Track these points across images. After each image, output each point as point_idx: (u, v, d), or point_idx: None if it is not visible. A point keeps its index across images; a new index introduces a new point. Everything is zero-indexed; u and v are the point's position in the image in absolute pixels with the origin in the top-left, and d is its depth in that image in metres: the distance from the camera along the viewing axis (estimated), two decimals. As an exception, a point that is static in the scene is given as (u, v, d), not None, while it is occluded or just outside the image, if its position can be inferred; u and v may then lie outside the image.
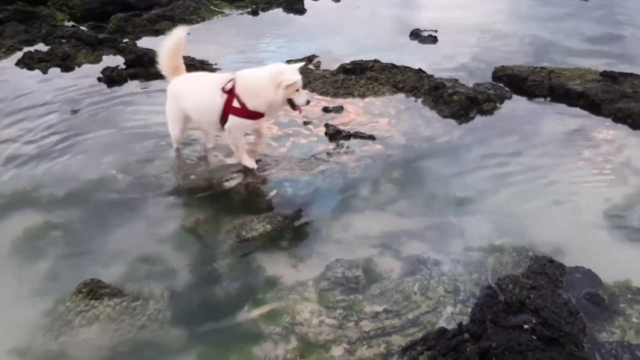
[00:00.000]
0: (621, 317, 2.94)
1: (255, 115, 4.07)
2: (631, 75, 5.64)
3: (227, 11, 8.56)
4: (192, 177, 4.24)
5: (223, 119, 4.09)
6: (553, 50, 6.77)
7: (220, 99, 4.04)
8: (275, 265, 3.38)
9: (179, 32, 4.17)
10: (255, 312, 3.00)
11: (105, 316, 2.95)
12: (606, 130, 4.86)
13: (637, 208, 3.83)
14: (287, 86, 3.94)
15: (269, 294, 3.13)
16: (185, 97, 4.19)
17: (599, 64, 6.16)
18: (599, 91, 5.28)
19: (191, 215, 3.85)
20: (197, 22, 8.06)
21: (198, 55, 6.46)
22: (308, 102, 4.15)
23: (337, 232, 3.68)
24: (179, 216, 3.84)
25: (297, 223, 3.74)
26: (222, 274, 3.32)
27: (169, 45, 4.17)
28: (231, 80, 4.08)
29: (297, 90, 4.05)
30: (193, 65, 6.20)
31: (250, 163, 4.26)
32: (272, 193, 4.05)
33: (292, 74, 4.03)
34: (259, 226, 3.66)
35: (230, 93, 4.03)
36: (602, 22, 7.94)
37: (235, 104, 4.01)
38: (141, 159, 4.42)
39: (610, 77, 5.59)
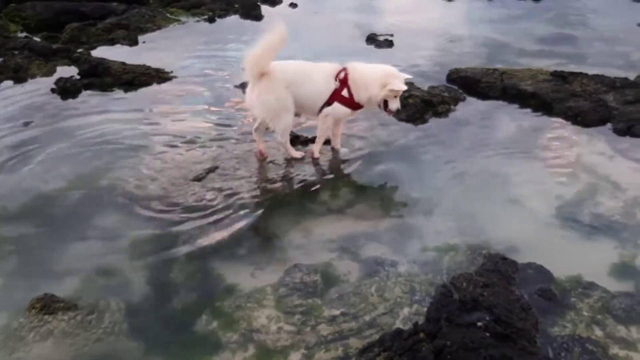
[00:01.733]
0: (572, 311, 3.02)
1: (357, 106, 4.39)
2: (580, 74, 5.80)
3: (183, 19, 8.50)
4: (149, 186, 4.18)
5: (327, 104, 4.33)
6: (506, 52, 6.92)
7: (332, 86, 4.31)
8: (234, 273, 3.36)
9: (281, 27, 4.18)
10: (213, 321, 2.99)
11: (59, 331, 2.89)
12: (557, 129, 4.99)
13: (587, 204, 3.94)
14: (392, 90, 4.22)
15: (227, 302, 3.11)
16: (300, 84, 4.31)
17: (550, 64, 6.33)
18: (549, 91, 5.42)
19: (147, 225, 3.80)
20: (153, 30, 7.99)
21: (154, 63, 6.41)
22: (398, 110, 4.41)
23: (297, 237, 3.68)
24: (134, 226, 3.78)
25: (255, 230, 3.73)
26: (179, 283, 3.29)
27: (270, 42, 4.14)
28: (343, 70, 4.33)
29: (395, 97, 4.30)
30: (149, 73, 6.17)
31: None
32: (230, 200, 4.03)
33: (401, 82, 4.29)
34: (216, 234, 3.65)
35: (343, 82, 4.27)
36: (553, 23, 8.16)
37: (344, 92, 4.29)
38: (96, 170, 4.35)
39: (560, 76, 5.75)
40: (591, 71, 5.92)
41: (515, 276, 3.18)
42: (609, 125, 4.97)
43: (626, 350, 2.78)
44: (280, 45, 4.22)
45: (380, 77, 4.24)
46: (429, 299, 3.04)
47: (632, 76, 5.85)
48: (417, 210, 3.95)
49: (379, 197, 4.10)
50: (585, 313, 3.00)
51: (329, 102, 4.34)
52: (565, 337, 2.82)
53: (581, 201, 3.98)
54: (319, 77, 4.35)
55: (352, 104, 4.35)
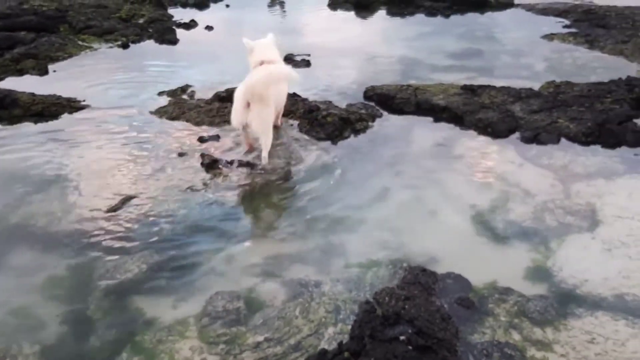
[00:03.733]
0: (490, 317, 3.11)
1: None
2: (489, 87, 6.06)
3: (95, 45, 8.27)
4: (63, 221, 4.02)
5: None
6: (419, 68, 7.12)
7: None
8: (154, 306, 3.27)
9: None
10: (134, 358, 2.88)
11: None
12: (469, 141, 5.16)
13: (500, 211, 4.09)
14: None
15: (148, 337, 3.01)
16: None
17: (461, 78, 6.57)
18: (460, 104, 5.62)
19: (62, 261, 3.63)
20: (64, 58, 7.71)
21: (66, 92, 6.20)
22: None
23: (219, 264, 3.62)
24: (49, 264, 3.61)
25: (174, 259, 3.64)
26: (96, 320, 3.16)
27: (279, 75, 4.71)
28: None
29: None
30: (60, 103, 5.95)
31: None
32: (147, 230, 3.92)
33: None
34: (133, 267, 3.54)
35: None
36: (462, 39, 8.47)
37: None
38: (5, 206, 4.14)
39: (470, 90, 5.98)
40: (498, 83, 6.19)
41: (435, 287, 3.25)
42: (517, 134, 5.20)
43: (543, 352, 2.88)
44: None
45: None
46: (353, 317, 3.05)
47: (536, 86, 6.16)
48: (340, 229, 3.98)
49: (301, 217, 4.09)
50: (502, 318, 3.10)
51: None
52: (485, 343, 2.90)
53: (494, 209, 4.13)
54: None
55: None
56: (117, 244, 3.79)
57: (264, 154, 4.68)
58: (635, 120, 5.28)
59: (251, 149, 4.94)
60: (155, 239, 3.84)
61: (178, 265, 3.60)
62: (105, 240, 3.83)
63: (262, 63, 4.87)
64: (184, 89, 6.39)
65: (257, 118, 4.53)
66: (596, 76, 6.49)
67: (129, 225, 3.98)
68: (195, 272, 3.55)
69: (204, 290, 3.37)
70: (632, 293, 3.26)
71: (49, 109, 5.86)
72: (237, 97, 4.59)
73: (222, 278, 3.49)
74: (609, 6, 9.69)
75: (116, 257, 3.65)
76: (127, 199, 4.26)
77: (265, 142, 4.66)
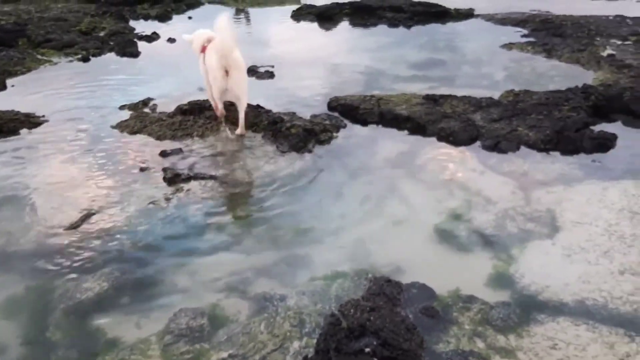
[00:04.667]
0: (455, 326, 3.12)
1: None
2: (450, 96, 6.15)
3: (55, 59, 8.12)
4: (21, 240, 3.91)
5: None
6: (382, 78, 7.19)
7: None
8: (116, 325, 3.19)
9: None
10: (95, 380, 2.81)
11: None
12: (432, 150, 5.22)
13: (463, 219, 4.14)
14: None
15: (110, 357, 2.94)
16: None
17: (423, 88, 6.66)
18: (422, 114, 5.68)
19: (20, 281, 3.53)
20: (23, 72, 7.56)
21: (24, 108, 6.08)
22: None
23: (182, 280, 3.57)
24: (7, 284, 3.50)
25: (137, 277, 3.57)
26: (56, 341, 3.07)
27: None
28: None
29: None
30: (18, 119, 5.82)
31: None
32: (109, 247, 3.84)
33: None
34: (94, 285, 3.46)
35: None
36: (424, 49, 8.60)
37: None
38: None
39: (432, 99, 6.05)
40: (460, 93, 6.29)
41: (400, 297, 3.26)
42: (478, 142, 5.28)
43: (506, 359, 2.91)
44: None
45: None
46: (318, 330, 3.03)
47: (496, 95, 6.28)
48: (306, 240, 3.96)
49: (265, 230, 4.06)
50: (467, 326, 3.12)
51: None
52: (450, 352, 2.91)
53: (458, 217, 4.17)
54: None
55: None
56: (77, 263, 3.71)
57: (242, 115, 5.43)
58: (592, 127, 5.43)
59: (222, 117, 5.66)
60: (116, 256, 3.77)
61: (140, 283, 3.54)
62: (65, 258, 3.74)
63: (209, 41, 5.36)
64: (145, 102, 6.31)
65: (236, 81, 5.19)
66: (554, 84, 6.65)
67: (89, 242, 3.90)
68: (158, 289, 3.49)
69: (166, 308, 3.31)
70: (592, 298, 3.32)
71: (7, 124, 5.72)
72: (215, 67, 5.13)
73: (185, 294, 3.44)
74: (565, 15, 9.95)
75: (76, 276, 3.57)
76: (87, 216, 4.17)
77: (244, 102, 5.38)
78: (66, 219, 4.13)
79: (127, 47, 8.46)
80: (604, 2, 11.91)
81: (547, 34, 9.02)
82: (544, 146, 5.12)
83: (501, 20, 10.04)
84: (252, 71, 7.43)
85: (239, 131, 5.49)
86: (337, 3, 11.09)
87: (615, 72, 6.92)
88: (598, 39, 8.52)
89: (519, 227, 4.03)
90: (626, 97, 5.89)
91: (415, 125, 5.61)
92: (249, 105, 5.77)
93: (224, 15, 5.04)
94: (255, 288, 3.48)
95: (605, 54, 7.74)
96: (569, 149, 5.10)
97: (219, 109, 5.62)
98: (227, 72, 5.13)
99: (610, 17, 9.83)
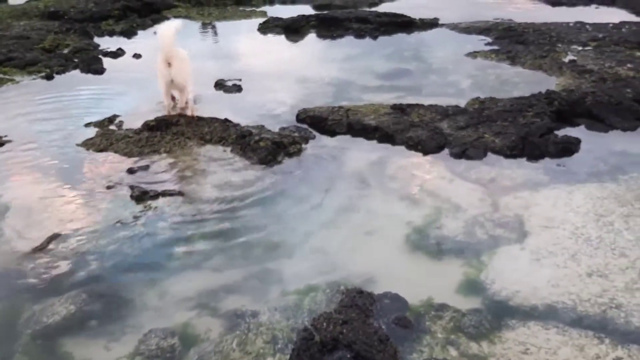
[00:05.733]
0: (428, 335, 3.13)
1: None
2: (417, 105, 6.21)
3: (17, 78, 7.95)
4: (-17, 264, 3.81)
5: None
6: (350, 89, 7.21)
7: None
8: (85, 348, 3.14)
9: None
10: (63, 407, 2.74)
11: None
12: (401, 159, 5.25)
13: (433, 227, 4.17)
14: None
15: (78, 383, 2.88)
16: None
17: (390, 98, 6.70)
18: (390, 123, 5.72)
19: (-16, 308, 3.45)
20: (-17, 92, 7.38)
21: (-17, 129, 5.93)
22: None
23: (152, 300, 3.51)
24: (-31, 311, 3.42)
25: (105, 298, 3.50)
26: (22, 369, 3.00)
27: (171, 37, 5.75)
28: None
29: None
30: (-23, 140, 5.67)
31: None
32: (75, 269, 3.76)
33: None
34: (61, 308, 3.38)
35: None
36: (391, 59, 8.66)
37: None
38: None
39: (399, 109, 6.10)
40: (427, 101, 6.35)
41: (372, 308, 3.25)
42: (446, 150, 5.33)
43: (479, 365, 2.93)
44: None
45: None
46: (291, 345, 3.01)
47: (462, 103, 6.36)
48: (277, 255, 3.94)
49: (236, 245, 4.03)
50: (439, 335, 3.13)
51: None
52: (423, 362, 2.92)
53: (428, 225, 4.20)
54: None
55: None
56: (44, 285, 3.63)
57: (190, 97, 6.15)
58: (555, 132, 5.53)
59: (174, 102, 6.31)
60: (83, 277, 3.70)
61: (109, 304, 3.47)
62: (31, 281, 3.66)
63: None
64: (111, 119, 6.22)
65: (178, 71, 5.82)
66: (518, 91, 6.76)
67: (55, 264, 3.81)
68: (127, 309, 3.43)
69: (136, 329, 3.26)
70: (561, 301, 3.37)
71: (-33, 146, 5.58)
72: (159, 60, 5.82)
73: (155, 314, 3.39)
74: (527, 23, 10.14)
75: (43, 299, 3.49)
76: (53, 237, 4.09)
77: (187, 89, 6.06)
78: (32, 241, 4.04)
79: (92, 64, 8.34)
80: (565, 9, 12.19)
81: (510, 41, 9.18)
82: (509, 152, 5.20)
83: (465, 29, 10.19)
84: (220, 85, 7.40)
85: (188, 112, 6.18)
86: (304, 15, 11.12)
87: (576, 78, 7.07)
88: (559, 45, 8.71)
89: (488, 233, 4.07)
90: (588, 101, 6.02)
91: (383, 135, 5.64)
92: (216, 119, 5.75)
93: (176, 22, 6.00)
94: (226, 305, 3.44)
95: (566, 59, 7.90)
96: (534, 154, 5.19)
97: (166, 104, 6.18)
98: (169, 64, 5.75)
99: (571, 24, 10.05)
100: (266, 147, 5.30)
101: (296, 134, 5.73)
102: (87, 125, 6.12)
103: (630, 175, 4.80)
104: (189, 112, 6.18)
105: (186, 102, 6.19)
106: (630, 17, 10.94)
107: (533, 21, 10.30)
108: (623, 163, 5.03)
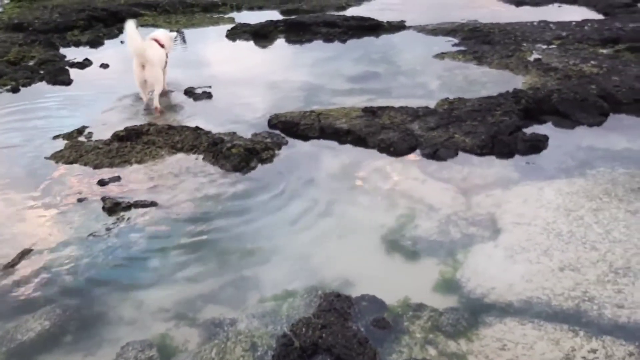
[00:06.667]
0: (406, 335, 3.16)
1: None
2: (388, 107, 6.25)
3: (-18, 91, 7.79)
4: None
5: None
6: (320, 93, 7.23)
7: None
8: (60, 365, 3.08)
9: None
10: None
11: None
12: (374, 161, 5.28)
13: (407, 228, 4.20)
14: None
15: (54, 400, 2.83)
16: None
17: (361, 101, 6.73)
18: (362, 126, 5.75)
19: (-46, 328, 3.36)
20: (-55, 108, 7.20)
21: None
22: None
23: (128, 312, 3.47)
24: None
25: (80, 313, 3.45)
26: (-3, 389, 2.93)
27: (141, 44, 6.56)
28: None
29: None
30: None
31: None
32: (48, 284, 3.69)
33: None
34: (35, 325, 3.32)
35: None
36: (360, 62, 8.70)
37: None
38: None
39: (370, 112, 6.13)
40: (397, 103, 6.39)
41: (350, 311, 3.27)
42: (417, 151, 5.38)
43: (458, 364, 2.96)
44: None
45: None
46: (271, 352, 3.00)
47: (432, 104, 6.42)
48: (253, 261, 3.93)
49: (211, 254, 4.00)
50: (418, 335, 3.16)
51: None
52: (402, 362, 2.94)
53: (402, 226, 4.23)
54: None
55: None
56: (17, 303, 3.56)
57: (156, 93, 6.77)
58: (524, 130, 5.63)
59: (146, 103, 6.95)
60: (57, 292, 3.64)
61: (84, 318, 3.42)
62: (3, 299, 3.58)
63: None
64: (80, 130, 6.13)
65: (150, 73, 6.63)
66: (486, 90, 6.86)
67: (28, 280, 3.74)
68: (103, 323, 3.39)
69: (113, 342, 3.22)
70: (535, 296, 3.43)
71: None
72: (134, 64, 6.62)
73: (132, 327, 3.35)
74: (492, 23, 10.30)
75: (17, 316, 3.43)
76: (25, 253, 4.01)
77: (158, 89, 6.77)
78: (2, 258, 3.95)
79: (59, 75, 8.20)
80: (529, 8, 12.40)
81: (477, 42, 9.31)
82: (480, 151, 5.27)
83: (432, 31, 10.31)
84: (189, 93, 7.34)
85: (157, 106, 6.79)
86: (272, 21, 11.11)
87: (542, 76, 7.20)
88: (524, 44, 8.86)
89: (462, 231, 4.12)
90: (554, 99, 6.14)
91: (355, 138, 5.67)
92: (187, 128, 5.73)
93: (130, 23, 6.49)
94: (204, 314, 3.42)
95: (532, 58, 8.05)
96: (504, 152, 5.27)
97: (145, 99, 6.98)
98: (143, 66, 6.58)
99: (535, 23, 10.24)
100: (239, 154, 5.28)
101: (269, 140, 5.72)
102: (56, 137, 6.03)
103: (597, 169, 4.91)
104: (157, 106, 6.78)
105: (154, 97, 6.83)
106: (592, 15, 11.20)
107: (498, 21, 10.47)
108: (590, 158, 5.14)
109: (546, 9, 12.21)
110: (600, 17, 11.03)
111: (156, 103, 6.73)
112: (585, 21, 10.19)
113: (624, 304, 3.34)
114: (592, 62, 7.64)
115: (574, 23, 10.05)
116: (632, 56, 7.89)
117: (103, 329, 3.34)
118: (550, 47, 8.68)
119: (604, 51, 8.33)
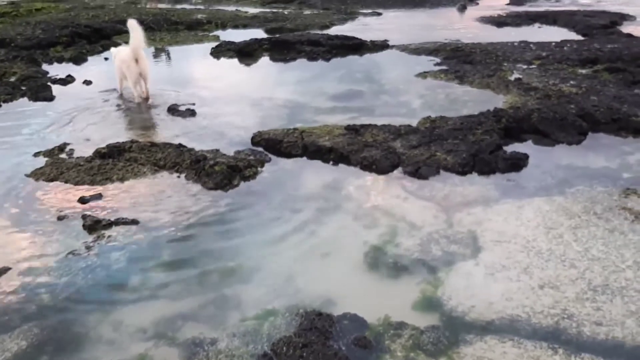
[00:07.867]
0: (387, 354, 3.15)
1: None
2: (370, 125, 6.30)
3: (-38, 107, 7.72)
4: None
5: None
6: (304, 111, 7.27)
7: None
8: (37, 387, 3.02)
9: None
10: None
11: None
12: (356, 179, 5.31)
13: (389, 246, 4.21)
14: None
15: (29, 423, 2.77)
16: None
17: (344, 119, 6.78)
18: (345, 144, 5.79)
19: None
20: None
21: None
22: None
23: (107, 331, 3.42)
24: None
25: (58, 332, 3.39)
26: (-30, 412, 2.87)
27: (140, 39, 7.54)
28: None
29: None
30: None
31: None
32: (26, 303, 3.64)
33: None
34: (12, 345, 3.27)
35: None
36: (343, 81, 8.78)
37: None
38: None
39: (353, 130, 6.17)
40: (379, 122, 6.45)
41: (332, 330, 3.26)
42: (399, 169, 5.42)
43: (438, 382, 2.96)
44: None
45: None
46: (251, 372, 2.98)
47: (414, 123, 6.48)
48: (234, 280, 3.90)
49: (192, 273, 3.97)
50: (399, 354, 3.15)
51: None
52: (383, 381, 2.93)
53: (384, 244, 4.24)
54: None
55: None
56: (-8, 323, 3.50)
57: (148, 86, 7.89)
58: (504, 149, 5.70)
59: (139, 99, 7.83)
60: (35, 312, 3.58)
61: (62, 339, 3.36)
62: (-24, 320, 3.52)
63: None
64: (61, 147, 6.09)
65: (143, 64, 7.65)
66: (467, 109, 6.94)
67: (5, 299, 3.68)
68: (82, 343, 3.33)
69: (91, 363, 3.17)
70: (515, 314, 3.44)
71: None
72: (129, 58, 7.54)
73: (111, 347, 3.30)
74: (474, 44, 10.47)
75: (-9, 336, 3.37)
76: (3, 271, 3.96)
77: (149, 79, 7.79)
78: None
79: (41, 92, 8.17)
80: (509, 29, 12.64)
81: (458, 61, 9.44)
82: (461, 169, 5.32)
83: (415, 51, 10.44)
84: (173, 110, 7.35)
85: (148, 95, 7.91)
86: (256, 39, 11.19)
87: (522, 95, 7.31)
88: (505, 64, 9.01)
89: (443, 249, 4.14)
90: (534, 118, 6.23)
91: (338, 156, 5.70)
92: (170, 145, 5.72)
93: (132, 21, 7.41)
94: (184, 334, 3.39)
95: (512, 78, 8.18)
96: (485, 170, 5.32)
97: (136, 94, 7.80)
98: (137, 60, 7.52)
99: (515, 43, 10.43)
100: (221, 172, 5.28)
101: (252, 157, 5.72)
102: (36, 154, 5.99)
103: (576, 188, 4.97)
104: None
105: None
106: (572, 36, 11.44)
107: (480, 41, 10.65)
108: (569, 176, 5.21)
109: (527, 30, 12.45)
110: (579, 38, 11.26)
111: (146, 91, 7.92)
112: (564, 42, 10.39)
113: (602, 321, 3.36)
114: (572, 82, 7.79)
115: (553, 44, 10.25)
116: (610, 76, 8.05)
117: (81, 349, 3.29)
118: (531, 67, 8.84)
119: (583, 71, 8.50)
